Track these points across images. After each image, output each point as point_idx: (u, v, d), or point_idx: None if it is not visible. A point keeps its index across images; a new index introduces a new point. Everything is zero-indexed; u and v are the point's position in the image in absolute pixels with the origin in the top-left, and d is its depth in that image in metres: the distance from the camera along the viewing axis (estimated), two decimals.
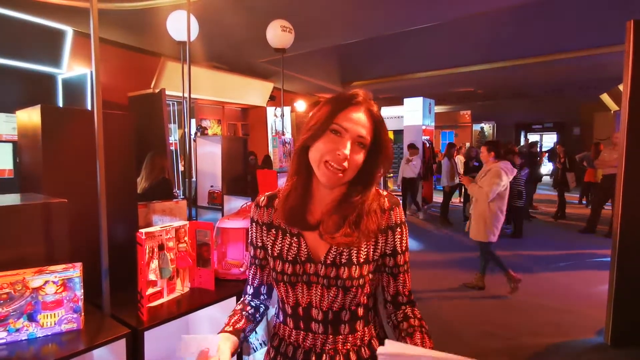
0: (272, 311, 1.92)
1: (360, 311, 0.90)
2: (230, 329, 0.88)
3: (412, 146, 7.91)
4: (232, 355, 0.81)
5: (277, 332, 0.96)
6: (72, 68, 4.75)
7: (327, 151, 0.81)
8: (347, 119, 0.82)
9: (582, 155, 8.00)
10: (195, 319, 1.72)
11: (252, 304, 0.99)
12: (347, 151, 0.80)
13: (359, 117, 0.82)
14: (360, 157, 0.83)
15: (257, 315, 0.98)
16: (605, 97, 11.40)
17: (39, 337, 1.11)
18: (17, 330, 1.08)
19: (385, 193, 0.92)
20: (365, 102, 0.85)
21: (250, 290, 1.01)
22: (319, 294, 0.87)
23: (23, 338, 1.09)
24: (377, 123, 0.85)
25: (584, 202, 9.03)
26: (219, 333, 0.86)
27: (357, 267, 0.86)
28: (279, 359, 0.93)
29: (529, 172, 6.32)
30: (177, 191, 5.11)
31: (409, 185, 7.79)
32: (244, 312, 0.95)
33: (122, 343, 1.16)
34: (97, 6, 1.23)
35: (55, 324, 1.13)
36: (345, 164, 0.80)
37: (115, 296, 1.31)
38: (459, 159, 8.44)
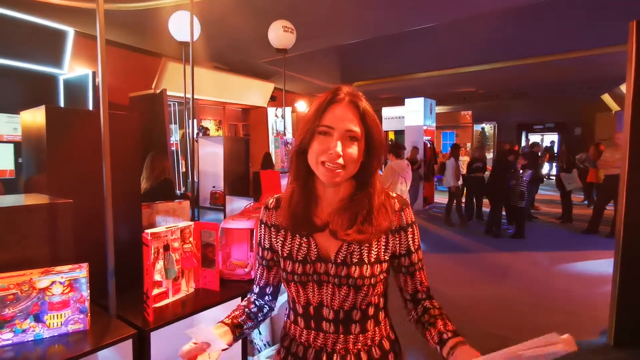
0: (275, 312, 1.92)
1: (371, 311, 0.90)
2: (229, 321, 0.91)
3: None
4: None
5: (287, 332, 0.96)
6: (73, 68, 4.75)
7: (320, 152, 0.82)
8: (331, 117, 0.83)
9: (582, 156, 7.96)
10: (201, 319, 1.72)
11: (257, 302, 1.01)
12: (338, 149, 0.81)
13: (343, 113, 0.83)
14: (354, 149, 0.83)
15: (260, 315, 0.99)
16: (606, 98, 11.41)
17: (46, 337, 1.11)
18: (24, 331, 1.08)
19: (394, 195, 0.93)
20: (347, 95, 0.85)
21: (256, 289, 1.02)
22: (330, 293, 0.88)
23: (30, 339, 1.09)
24: (364, 114, 0.84)
25: (585, 202, 9.02)
26: (218, 322, 0.89)
27: (369, 266, 0.86)
28: (289, 359, 0.93)
29: (531, 173, 6.29)
30: (178, 192, 5.11)
31: None
32: (246, 310, 0.97)
33: (128, 344, 1.16)
34: (103, 7, 1.22)
35: (61, 324, 1.13)
36: (341, 160, 0.81)
37: (120, 297, 1.31)
38: (461, 160, 8.42)
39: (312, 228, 0.89)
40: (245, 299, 1.02)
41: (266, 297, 1.02)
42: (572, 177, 7.18)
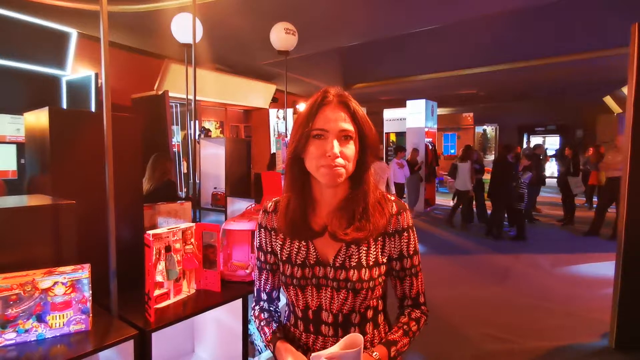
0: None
1: (370, 314, 0.91)
2: (283, 336, 0.93)
3: (401, 148, 7.84)
4: None
5: (287, 335, 0.96)
6: (76, 70, 4.77)
7: (318, 157, 0.82)
8: (323, 120, 0.83)
9: (582, 159, 7.90)
10: (201, 320, 1.73)
11: (271, 308, 1.01)
12: (336, 150, 0.81)
13: (334, 114, 0.84)
14: (351, 147, 0.84)
15: (280, 320, 1.01)
16: (608, 100, 11.40)
17: (48, 338, 1.11)
18: (27, 331, 1.09)
19: (393, 198, 0.93)
20: (335, 97, 0.86)
21: (264, 296, 1.01)
22: (328, 296, 0.88)
23: (32, 339, 1.10)
24: (354, 112, 0.86)
25: (585, 205, 8.97)
26: (276, 341, 0.90)
27: (367, 269, 0.86)
28: None
29: (532, 175, 6.26)
30: (180, 193, 5.12)
31: (400, 191, 7.67)
32: (275, 319, 0.98)
33: (129, 344, 1.16)
34: (106, 9, 1.23)
35: (63, 324, 1.13)
36: (340, 160, 0.82)
37: (121, 297, 1.32)
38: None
39: (311, 234, 0.89)
40: (257, 309, 1.00)
41: (275, 302, 1.03)
42: (579, 181, 7.12)
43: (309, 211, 0.90)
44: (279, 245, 0.94)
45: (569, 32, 5.93)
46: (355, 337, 0.78)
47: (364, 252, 0.87)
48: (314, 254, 0.89)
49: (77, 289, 1.15)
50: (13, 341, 1.07)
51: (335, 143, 0.82)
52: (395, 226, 0.90)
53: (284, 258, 0.92)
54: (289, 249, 0.91)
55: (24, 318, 1.08)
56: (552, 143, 15.77)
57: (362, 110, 0.88)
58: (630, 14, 4.18)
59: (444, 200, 9.97)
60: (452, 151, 13.90)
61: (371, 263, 0.87)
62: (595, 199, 7.97)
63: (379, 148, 0.91)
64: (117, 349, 1.17)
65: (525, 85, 10.35)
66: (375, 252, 0.88)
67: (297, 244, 0.91)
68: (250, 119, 9.05)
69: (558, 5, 4.63)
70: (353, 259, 0.86)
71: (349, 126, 0.84)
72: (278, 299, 1.03)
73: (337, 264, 0.87)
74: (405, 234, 0.91)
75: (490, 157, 13.73)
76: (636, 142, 2.74)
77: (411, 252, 0.92)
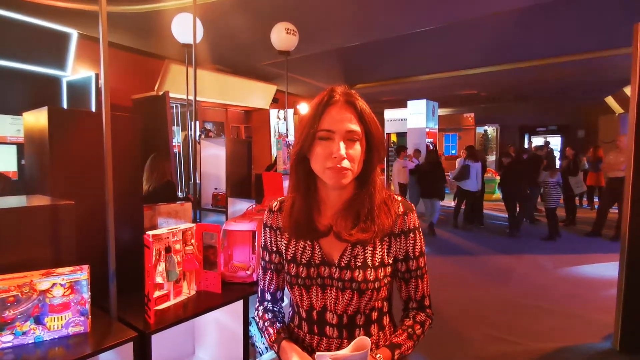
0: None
1: (375, 315, 0.89)
2: (288, 336, 0.92)
3: (403, 148, 7.82)
4: None
5: (291, 335, 0.95)
6: (76, 70, 4.77)
7: (324, 158, 0.81)
8: (330, 121, 0.81)
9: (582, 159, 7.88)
10: (202, 322, 1.71)
11: (275, 309, 1.00)
12: (342, 151, 0.80)
13: (341, 115, 0.82)
14: (357, 148, 0.82)
15: (284, 321, 1.00)
16: (610, 100, 11.37)
17: (46, 340, 1.10)
18: (24, 333, 1.07)
19: (399, 198, 0.92)
20: (342, 96, 0.84)
21: (268, 296, 1.01)
22: (333, 297, 0.87)
23: (30, 341, 1.08)
24: (361, 112, 0.84)
25: (584, 205, 8.91)
26: (280, 341, 0.90)
27: (372, 270, 0.85)
28: None
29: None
30: (180, 194, 5.11)
31: (403, 192, 7.65)
32: (279, 319, 0.98)
33: (129, 346, 1.15)
34: (106, 9, 1.22)
35: (62, 327, 1.12)
36: (346, 162, 0.80)
37: (121, 299, 1.30)
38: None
39: (316, 234, 0.88)
40: (263, 308, 1.00)
41: (279, 302, 1.02)
42: (579, 181, 7.10)
43: (314, 212, 0.89)
44: (284, 245, 0.93)
45: (570, 32, 5.91)
46: (363, 340, 0.77)
47: (370, 252, 0.86)
48: (320, 253, 0.88)
49: (76, 290, 1.13)
50: (10, 344, 1.05)
51: (342, 145, 0.80)
52: (402, 227, 0.89)
53: (289, 257, 0.91)
54: (294, 249, 0.91)
55: (21, 320, 1.06)
56: (554, 144, 15.71)
57: (369, 110, 0.86)
58: (632, 14, 4.16)
59: (445, 200, 9.94)
60: (453, 152, 13.88)
61: (377, 263, 0.86)
62: (596, 200, 7.94)
63: (384, 148, 0.89)
64: (117, 352, 1.16)
65: (526, 86, 10.33)
66: (381, 253, 0.87)
67: (303, 243, 0.90)
68: (251, 119, 9.04)
69: (560, 4, 4.61)
70: (358, 259, 0.85)
71: (355, 127, 0.82)
72: (282, 299, 1.02)
73: (343, 264, 0.86)
74: (412, 234, 0.89)
75: (492, 158, 13.72)
76: (639, 142, 2.72)
77: (417, 254, 0.91)
